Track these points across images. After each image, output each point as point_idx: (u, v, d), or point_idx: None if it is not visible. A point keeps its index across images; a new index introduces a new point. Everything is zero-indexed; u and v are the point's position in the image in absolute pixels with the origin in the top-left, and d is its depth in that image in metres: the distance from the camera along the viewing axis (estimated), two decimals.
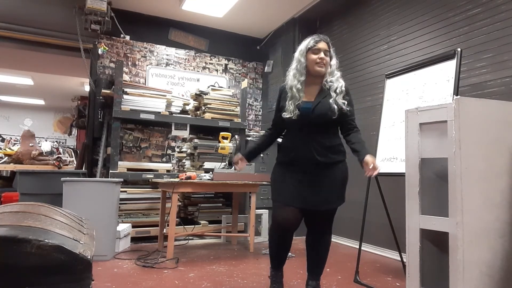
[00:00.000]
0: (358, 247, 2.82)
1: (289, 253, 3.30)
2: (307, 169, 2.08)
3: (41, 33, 4.43)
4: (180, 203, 4.31)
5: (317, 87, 2.16)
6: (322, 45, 2.11)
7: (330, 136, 2.11)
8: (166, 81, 4.94)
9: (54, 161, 4.85)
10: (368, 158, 1.97)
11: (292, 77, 2.14)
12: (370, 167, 1.94)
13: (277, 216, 2.14)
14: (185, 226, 3.97)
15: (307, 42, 2.14)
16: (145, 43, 4.87)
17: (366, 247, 3.61)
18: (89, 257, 1.53)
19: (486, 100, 1.84)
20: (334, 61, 2.17)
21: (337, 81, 2.13)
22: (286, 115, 2.10)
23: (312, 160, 2.06)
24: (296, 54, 2.17)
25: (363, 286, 2.58)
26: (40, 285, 1.44)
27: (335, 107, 2.05)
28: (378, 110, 3.15)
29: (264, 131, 2.29)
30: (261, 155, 4.21)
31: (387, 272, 2.97)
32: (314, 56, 2.10)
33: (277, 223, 2.13)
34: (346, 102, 2.10)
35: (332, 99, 2.07)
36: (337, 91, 2.10)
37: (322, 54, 2.09)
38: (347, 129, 2.16)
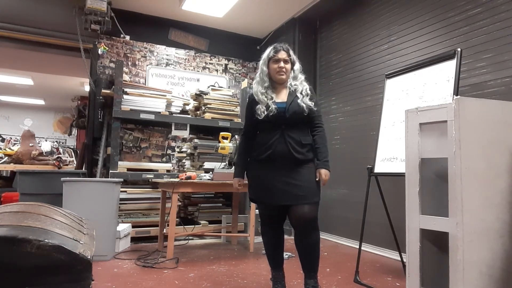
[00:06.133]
0: (358, 247, 2.82)
1: (289, 253, 3.36)
2: (284, 165, 2.18)
3: (41, 33, 4.42)
4: (180, 203, 4.31)
5: (285, 90, 2.31)
6: (281, 55, 2.25)
7: (303, 134, 2.24)
8: (166, 81, 4.94)
9: (54, 161, 4.85)
10: (321, 171, 2.19)
11: (256, 85, 2.31)
12: (321, 180, 2.20)
13: (259, 214, 2.38)
14: (185, 226, 3.97)
15: (268, 51, 2.29)
16: (145, 43, 4.87)
17: (366, 247, 3.61)
18: (89, 257, 1.53)
19: (486, 100, 1.84)
20: (297, 66, 2.33)
21: (301, 84, 2.30)
22: (260, 117, 2.21)
23: (288, 157, 2.17)
24: (260, 63, 2.33)
25: (363, 286, 2.59)
26: (40, 285, 1.44)
27: (304, 105, 2.21)
28: (378, 110, 3.15)
29: (239, 138, 2.38)
30: None
31: (387, 272, 2.97)
32: (274, 66, 2.26)
33: (261, 221, 2.37)
34: (313, 103, 2.25)
35: (299, 99, 2.23)
36: (303, 92, 2.26)
37: (282, 64, 2.24)
38: (314, 126, 2.29)
